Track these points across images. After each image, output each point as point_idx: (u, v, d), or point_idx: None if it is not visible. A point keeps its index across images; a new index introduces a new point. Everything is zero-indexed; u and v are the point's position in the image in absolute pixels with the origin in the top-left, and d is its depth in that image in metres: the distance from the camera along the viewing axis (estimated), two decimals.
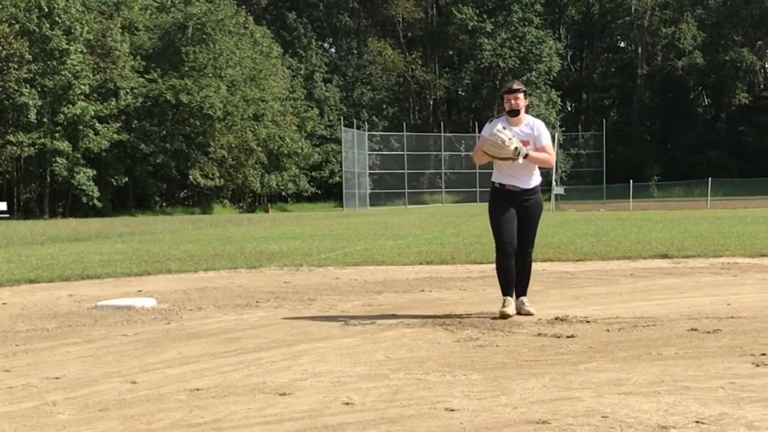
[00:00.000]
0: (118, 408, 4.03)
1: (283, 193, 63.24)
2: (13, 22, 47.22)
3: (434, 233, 19.73)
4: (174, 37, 54.58)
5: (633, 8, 73.79)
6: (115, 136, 49.77)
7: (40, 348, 5.73)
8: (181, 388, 4.41)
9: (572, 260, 11.58)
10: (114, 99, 50.48)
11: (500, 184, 6.73)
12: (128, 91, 51.25)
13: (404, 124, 66.61)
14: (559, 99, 70.76)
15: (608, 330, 5.92)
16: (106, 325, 6.72)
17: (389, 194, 64.94)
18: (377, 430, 3.57)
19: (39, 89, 47.85)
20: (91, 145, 48.44)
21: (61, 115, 47.72)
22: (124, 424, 3.74)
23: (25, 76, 46.99)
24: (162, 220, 38.40)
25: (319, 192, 64.17)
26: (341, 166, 59.90)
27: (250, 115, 56.05)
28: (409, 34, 76.97)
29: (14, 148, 47.03)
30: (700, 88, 77.64)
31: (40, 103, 47.86)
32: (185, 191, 60.56)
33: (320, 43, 71.11)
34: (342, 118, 63.15)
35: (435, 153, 67.25)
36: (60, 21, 47.82)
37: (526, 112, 6.80)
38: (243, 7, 60.94)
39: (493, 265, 6.89)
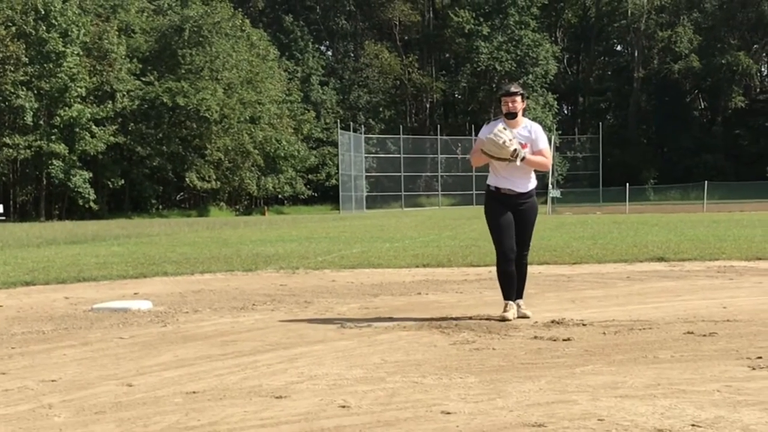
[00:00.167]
0: (114, 411, 4.02)
1: (280, 196, 63.16)
2: (10, 24, 47.11)
3: (431, 236, 19.74)
4: (170, 39, 54.50)
5: (629, 12, 73.87)
6: (112, 138, 49.65)
7: (36, 351, 5.72)
8: (177, 390, 4.40)
9: (568, 263, 11.59)
10: (110, 101, 50.35)
11: (496, 187, 6.73)
12: (125, 93, 51.14)
13: (401, 127, 66.60)
14: (556, 102, 70.68)
15: (604, 333, 5.93)
16: (102, 327, 6.71)
17: (386, 197, 64.87)
18: None
19: (35, 92, 47.72)
20: (88, 147, 48.33)
21: (58, 118, 47.61)
22: (120, 427, 3.74)
23: (22, 78, 46.86)
24: (158, 222, 38.34)
25: (316, 195, 64.06)
26: (338, 169, 59.85)
27: (247, 117, 55.97)
28: (406, 37, 77.00)
29: (10, 150, 46.91)
30: (696, 91, 77.76)
31: (36, 105, 47.71)
32: (181, 194, 60.42)
33: (317, 46, 71.09)
34: (338, 120, 63.12)
35: (431, 156, 67.25)
36: (56, 23, 47.70)
37: (523, 115, 6.82)
38: (240, 9, 60.89)
39: (490, 268, 6.91)
